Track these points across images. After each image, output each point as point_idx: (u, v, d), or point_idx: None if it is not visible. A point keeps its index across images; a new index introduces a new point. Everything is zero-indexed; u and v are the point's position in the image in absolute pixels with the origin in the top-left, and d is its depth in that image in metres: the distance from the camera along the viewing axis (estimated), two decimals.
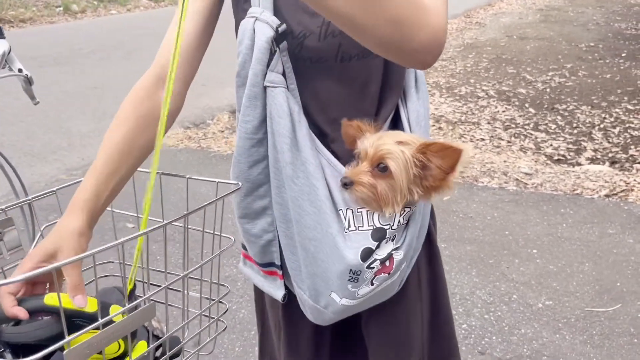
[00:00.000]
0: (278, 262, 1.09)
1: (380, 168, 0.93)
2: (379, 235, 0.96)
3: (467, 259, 2.81)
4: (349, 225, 0.97)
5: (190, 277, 1.00)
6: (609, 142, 4.54)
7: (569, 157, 4.31)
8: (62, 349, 0.68)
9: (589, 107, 5.40)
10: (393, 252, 0.97)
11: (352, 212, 0.97)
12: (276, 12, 0.96)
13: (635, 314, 2.37)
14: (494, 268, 2.73)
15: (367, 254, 0.95)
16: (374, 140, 0.94)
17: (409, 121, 1.03)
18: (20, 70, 1.12)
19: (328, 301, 1.02)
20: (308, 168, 0.97)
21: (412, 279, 1.12)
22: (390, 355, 1.16)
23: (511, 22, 10.17)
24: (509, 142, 4.59)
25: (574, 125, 4.96)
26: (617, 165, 4.09)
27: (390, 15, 0.77)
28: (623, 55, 7.44)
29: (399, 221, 0.96)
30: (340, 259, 0.95)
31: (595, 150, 4.39)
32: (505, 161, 4.11)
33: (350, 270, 0.95)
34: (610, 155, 4.29)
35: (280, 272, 1.09)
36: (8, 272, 0.95)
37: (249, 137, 1.01)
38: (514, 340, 2.24)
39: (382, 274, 0.98)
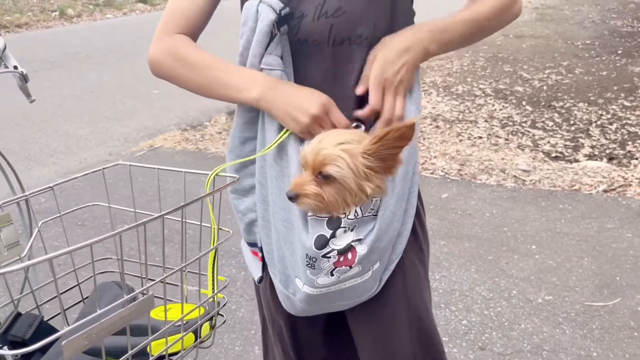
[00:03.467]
0: (260, 244, 1.12)
1: (323, 175, 0.91)
2: (334, 224, 0.95)
3: (466, 255, 2.81)
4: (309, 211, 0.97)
5: (189, 272, 0.99)
6: (606, 139, 4.54)
7: (566, 154, 4.31)
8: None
9: (586, 104, 5.40)
10: (354, 243, 0.95)
11: None
12: None
13: (635, 307, 2.36)
14: (493, 264, 2.73)
15: (322, 242, 0.94)
16: (314, 145, 0.92)
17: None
18: (15, 68, 1.11)
19: (295, 288, 1.02)
20: (289, 150, 0.99)
21: (395, 282, 1.10)
22: (377, 355, 1.16)
23: None
24: (506, 139, 4.59)
25: (571, 122, 4.97)
26: (614, 162, 4.09)
27: (492, 29, 1.10)
28: (619, 52, 7.46)
29: (356, 212, 0.94)
30: (300, 241, 0.96)
31: (592, 147, 4.40)
32: (503, 159, 4.11)
33: (307, 255, 0.95)
34: (607, 151, 4.30)
35: (261, 254, 1.12)
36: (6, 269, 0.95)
37: (244, 114, 1.05)
38: (514, 335, 2.24)
39: (343, 266, 0.96)
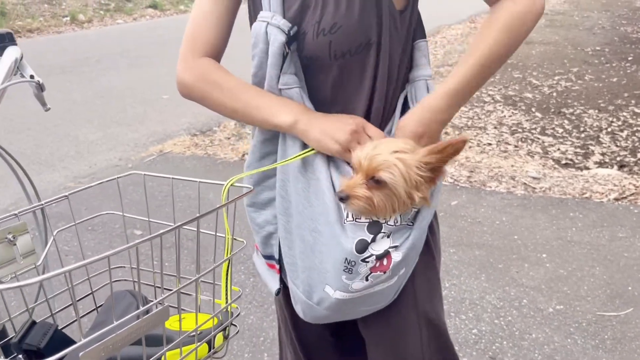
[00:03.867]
0: (277, 256, 1.14)
1: (375, 180, 0.94)
2: (375, 228, 0.98)
3: (476, 263, 2.79)
4: (347, 216, 0.99)
5: (202, 281, 0.99)
6: (617, 146, 4.52)
7: (576, 161, 4.29)
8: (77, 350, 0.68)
9: (596, 111, 5.38)
10: (390, 250, 0.98)
11: None
12: (285, 13, 0.99)
13: None
14: (504, 273, 2.71)
15: (362, 246, 0.97)
16: (369, 151, 0.95)
17: None
18: (32, 77, 1.12)
19: (321, 296, 1.04)
20: (315, 162, 1.02)
21: (406, 287, 1.11)
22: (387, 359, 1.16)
23: None
24: (516, 146, 4.57)
25: (581, 129, 4.94)
26: (625, 169, 4.06)
27: (514, 44, 1.01)
28: (629, 58, 7.42)
29: (396, 219, 0.98)
30: (337, 245, 0.98)
31: (603, 154, 4.37)
32: (512, 165, 4.10)
33: (346, 259, 0.97)
34: (618, 158, 4.27)
35: (278, 266, 1.14)
36: (21, 277, 0.95)
37: (264, 131, 1.08)
38: (525, 345, 2.22)
39: (378, 272, 0.99)
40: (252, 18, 1.06)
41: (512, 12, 0.99)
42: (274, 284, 1.15)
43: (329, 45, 0.99)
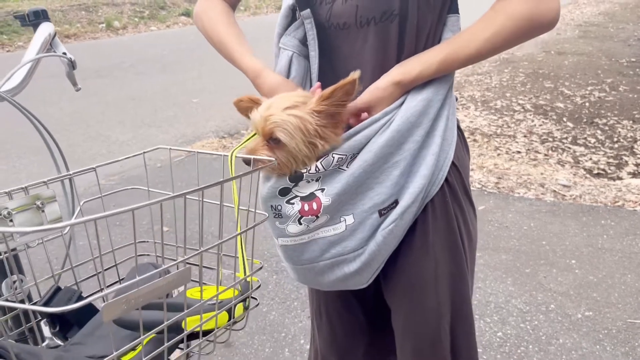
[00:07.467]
0: None
1: (273, 140, 0.97)
2: (297, 179, 1.00)
3: (502, 267, 2.74)
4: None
5: (224, 255, 1.00)
6: None
7: (609, 171, 4.18)
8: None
9: (631, 122, 5.25)
10: (317, 192, 1.00)
11: None
12: None
13: None
14: (531, 277, 2.65)
15: (285, 191, 1.01)
16: (263, 112, 0.97)
17: None
18: (64, 54, 1.15)
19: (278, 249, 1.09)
20: None
21: (427, 264, 1.09)
22: (407, 319, 1.15)
23: (549, 38, 10.03)
24: (546, 155, 4.49)
25: (615, 139, 4.83)
26: None
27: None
28: None
29: (317, 167, 0.99)
30: (260, 197, 1.03)
31: (637, 165, 4.25)
32: (542, 173, 4.02)
33: (271, 206, 1.01)
34: None
35: None
36: (48, 243, 0.98)
37: None
38: (551, 350, 2.16)
39: (309, 216, 1.01)
40: None
41: (513, 14, 0.97)
42: None
43: (356, 10, 1.01)
